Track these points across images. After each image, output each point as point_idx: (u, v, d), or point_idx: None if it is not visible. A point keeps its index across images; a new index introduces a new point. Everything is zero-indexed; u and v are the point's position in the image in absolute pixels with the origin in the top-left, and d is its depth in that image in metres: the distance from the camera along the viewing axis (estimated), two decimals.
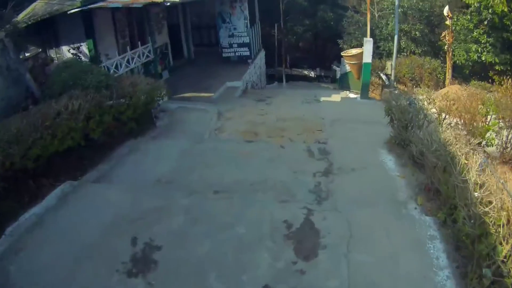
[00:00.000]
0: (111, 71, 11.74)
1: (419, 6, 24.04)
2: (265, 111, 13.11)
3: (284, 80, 28.70)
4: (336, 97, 16.87)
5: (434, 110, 9.39)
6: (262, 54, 23.61)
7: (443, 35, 18.50)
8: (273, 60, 29.08)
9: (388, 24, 24.51)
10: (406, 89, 18.26)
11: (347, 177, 7.73)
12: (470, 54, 20.11)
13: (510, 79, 19.74)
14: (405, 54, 23.37)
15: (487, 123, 9.03)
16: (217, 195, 6.88)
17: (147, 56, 13.85)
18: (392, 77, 16.03)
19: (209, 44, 23.51)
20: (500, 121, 9.01)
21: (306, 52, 34.25)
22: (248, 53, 20.06)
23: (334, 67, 28.15)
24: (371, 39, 13.30)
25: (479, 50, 19.63)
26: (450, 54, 18.91)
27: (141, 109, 9.69)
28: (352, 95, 16.48)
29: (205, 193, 6.93)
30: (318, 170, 7.96)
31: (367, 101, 14.55)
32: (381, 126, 9.92)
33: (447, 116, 9.05)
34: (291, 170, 7.93)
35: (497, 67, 19.34)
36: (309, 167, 8.12)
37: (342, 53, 15.15)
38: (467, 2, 19.27)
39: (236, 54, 20.07)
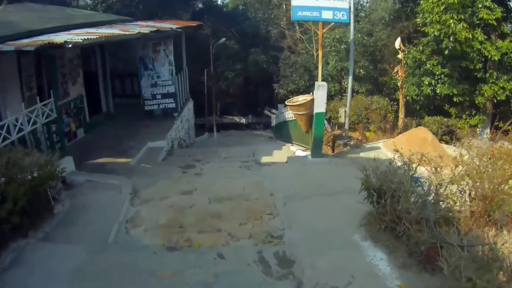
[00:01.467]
0: (1, 137, 9.01)
1: (364, 41, 23.35)
2: (194, 185, 10.34)
3: (215, 130, 27.37)
4: (280, 155, 14.30)
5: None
6: (190, 104, 21.41)
7: (395, 70, 16.93)
8: (202, 108, 28.58)
9: (329, 63, 23.53)
10: (359, 136, 16.18)
11: None
12: (422, 88, 18.94)
13: (467, 111, 18.98)
14: (346, 94, 21.85)
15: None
16: None
17: (48, 115, 10.74)
18: (346, 126, 13.73)
19: (132, 95, 20.77)
20: None
21: (237, 97, 34.01)
22: (174, 105, 17.76)
23: (267, 112, 26.75)
24: (325, 83, 10.84)
25: (433, 83, 18.30)
26: (403, 90, 17.31)
27: (28, 196, 7.01)
28: (299, 152, 13.87)
29: None
30: None
31: (321, 160, 11.96)
32: (348, 197, 7.67)
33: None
34: None
35: (455, 99, 18.37)
36: None
37: (286, 102, 12.66)
38: (426, 31, 18.47)
39: (160, 106, 17.66)
